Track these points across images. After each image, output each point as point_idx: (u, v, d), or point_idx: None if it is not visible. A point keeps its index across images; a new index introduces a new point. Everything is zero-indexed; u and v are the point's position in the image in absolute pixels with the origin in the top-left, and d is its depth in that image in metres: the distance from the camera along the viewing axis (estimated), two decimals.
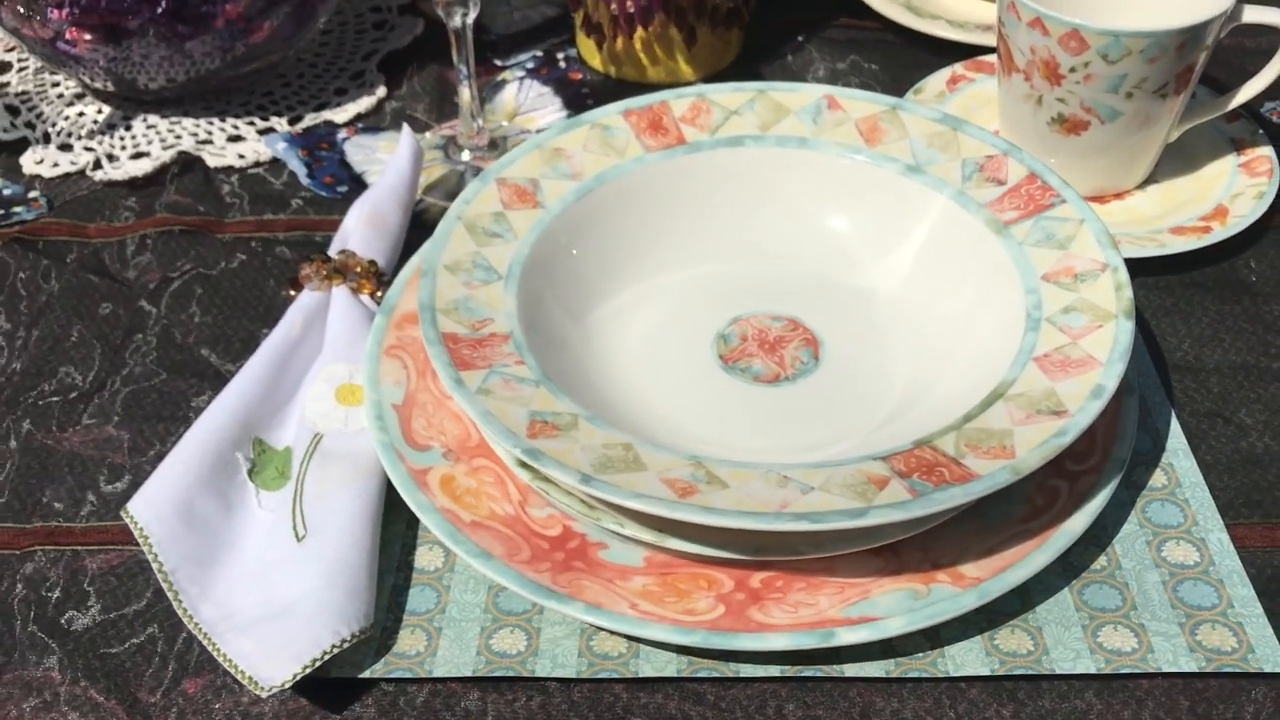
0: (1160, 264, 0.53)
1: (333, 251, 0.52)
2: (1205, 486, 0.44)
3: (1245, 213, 0.54)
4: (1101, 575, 0.41)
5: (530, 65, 0.67)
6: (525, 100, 0.65)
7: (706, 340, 0.48)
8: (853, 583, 0.39)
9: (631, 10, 0.63)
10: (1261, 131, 0.58)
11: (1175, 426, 0.46)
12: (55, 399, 0.49)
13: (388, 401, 0.45)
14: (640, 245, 0.50)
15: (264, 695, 0.38)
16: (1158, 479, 0.44)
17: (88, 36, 0.60)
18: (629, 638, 0.39)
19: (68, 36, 0.60)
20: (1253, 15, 0.53)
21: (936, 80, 0.62)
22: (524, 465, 0.41)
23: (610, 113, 0.52)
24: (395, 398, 0.45)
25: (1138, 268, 0.53)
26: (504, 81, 0.66)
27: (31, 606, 0.42)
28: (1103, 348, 0.41)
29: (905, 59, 0.66)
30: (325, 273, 0.50)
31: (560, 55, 0.68)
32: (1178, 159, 0.58)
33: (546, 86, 0.66)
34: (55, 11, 0.58)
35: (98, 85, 0.63)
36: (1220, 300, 0.52)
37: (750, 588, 0.39)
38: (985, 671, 0.38)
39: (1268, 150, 0.57)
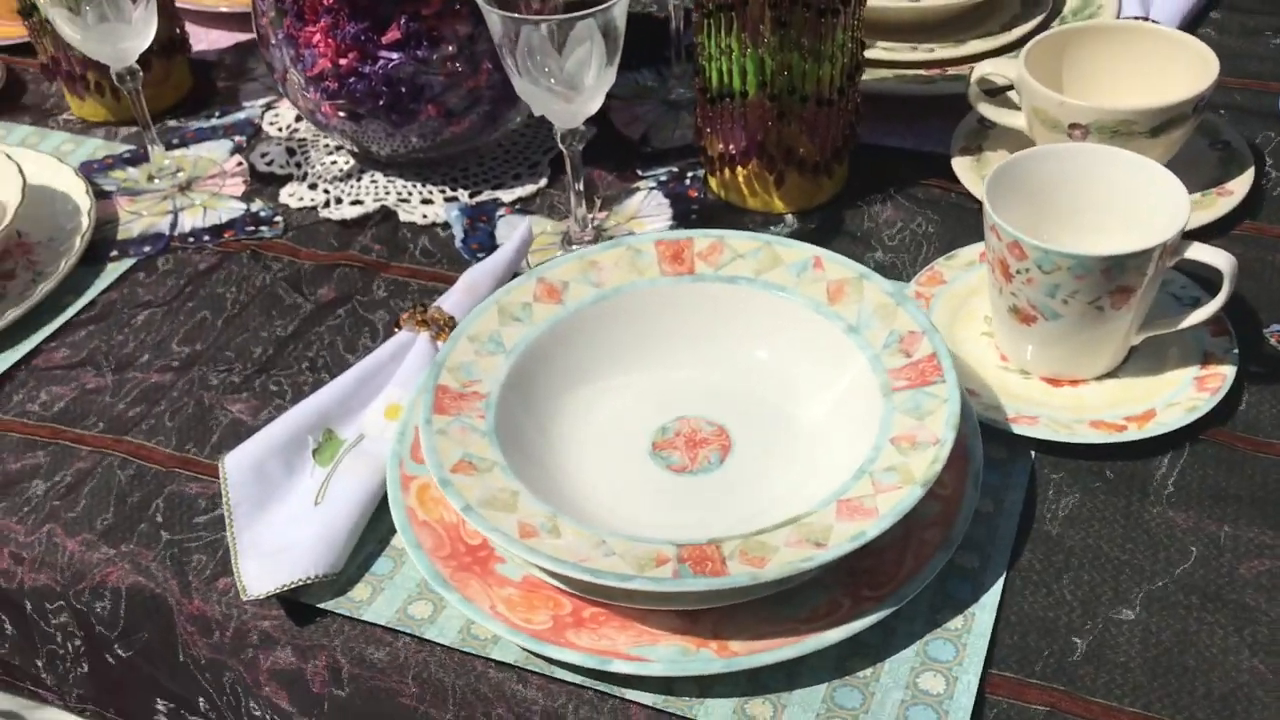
0: (1090, 450, 0.61)
1: (435, 304, 0.70)
2: (988, 638, 0.53)
3: (1168, 421, 0.60)
4: (859, 682, 0.52)
5: (663, 178, 0.83)
6: (645, 207, 0.80)
7: (650, 428, 0.61)
8: (650, 632, 0.52)
9: (734, 151, 0.77)
10: (1235, 350, 0.64)
11: (999, 584, 0.55)
12: (224, 373, 0.71)
13: (412, 424, 0.62)
14: (631, 345, 0.64)
15: (244, 599, 0.56)
16: (956, 622, 0.54)
17: (339, 114, 0.81)
18: (491, 631, 0.54)
19: (323, 110, 0.81)
20: (1197, 253, 0.59)
21: (971, 250, 0.72)
22: None
23: (645, 240, 0.67)
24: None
25: (1062, 450, 0.61)
26: (637, 189, 0.82)
27: (162, 508, 0.62)
28: (889, 504, 0.51)
29: (967, 223, 0.76)
30: (416, 321, 0.69)
31: (689, 175, 0.83)
32: (1149, 360, 0.64)
33: (666, 199, 0.81)
34: (313, 93, 0.80)
35: (346, 146, 0.86)
36: (1111, 493, 0.59)
37: (580, 616, 0.53)
38: None
39: (1228, 369, 0.63)
